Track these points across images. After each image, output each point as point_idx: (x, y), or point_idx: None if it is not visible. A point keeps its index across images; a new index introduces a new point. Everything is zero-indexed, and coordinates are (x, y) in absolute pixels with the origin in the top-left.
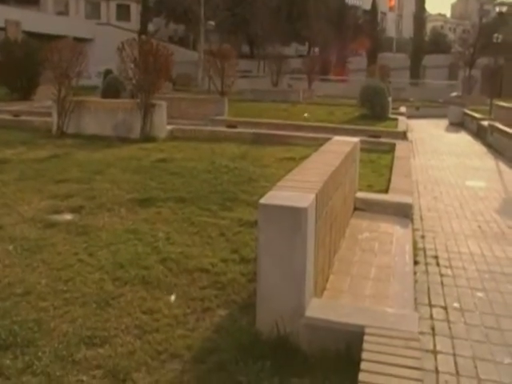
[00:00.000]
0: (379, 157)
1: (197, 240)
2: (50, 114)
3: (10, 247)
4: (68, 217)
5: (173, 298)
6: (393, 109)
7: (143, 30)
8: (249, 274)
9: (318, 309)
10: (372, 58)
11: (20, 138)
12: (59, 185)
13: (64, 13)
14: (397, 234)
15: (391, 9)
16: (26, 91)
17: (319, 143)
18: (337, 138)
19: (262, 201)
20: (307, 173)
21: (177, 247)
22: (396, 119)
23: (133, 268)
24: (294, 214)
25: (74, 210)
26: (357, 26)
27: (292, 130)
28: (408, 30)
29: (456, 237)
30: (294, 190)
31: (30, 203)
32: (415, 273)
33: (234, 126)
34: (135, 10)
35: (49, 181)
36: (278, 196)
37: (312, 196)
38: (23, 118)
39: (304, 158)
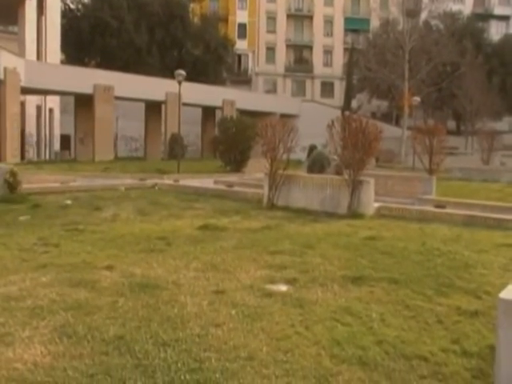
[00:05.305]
0: None
1: (412, 325)
2: (259, 186)
3: (233, 311)
4: (283, 288)
5: None
6: None
7: (346, 107)
8: (473, 369)
9: None
10: None
11: (234, 208)
12: (273, 255)
13: (272, 91)
14: None
15: None
16: (238, 164)
17: None
18: None
19: (502, 295)
20: None
21: (392, 330)
22: None
23: (349, 346)
24: None
25: (288, 282)
26: None
27: (509, 213)
28: None
29: None
30: None
31: (248, 271)
32: None
33: (443, 207)
34: (339, 86)
35: (263, 251)
36: None
37: None
38: (236, 188)
39: None
